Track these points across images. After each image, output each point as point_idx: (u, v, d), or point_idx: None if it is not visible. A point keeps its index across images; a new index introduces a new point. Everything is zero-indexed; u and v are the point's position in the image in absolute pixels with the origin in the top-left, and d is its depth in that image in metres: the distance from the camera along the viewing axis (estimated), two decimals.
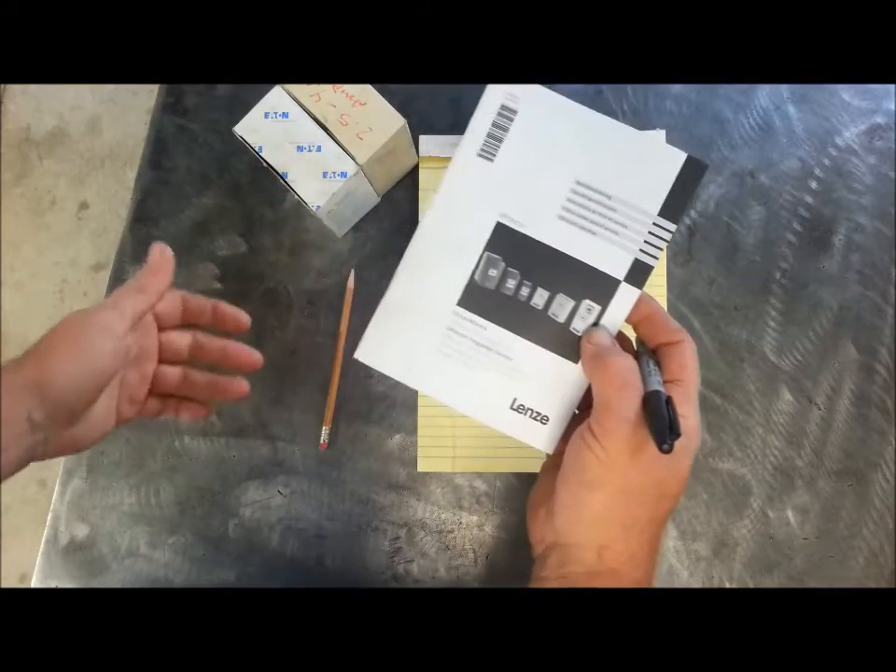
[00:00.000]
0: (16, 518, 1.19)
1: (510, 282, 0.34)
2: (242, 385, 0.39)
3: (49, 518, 0.48)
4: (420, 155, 0.50)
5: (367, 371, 0.49)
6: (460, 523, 0.47)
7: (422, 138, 0.50)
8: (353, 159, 0.43)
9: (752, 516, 0.46)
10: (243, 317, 0.39)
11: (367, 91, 0.44)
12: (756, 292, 0.48)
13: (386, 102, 0.44)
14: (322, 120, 0.44)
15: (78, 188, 1.27)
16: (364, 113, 0.43)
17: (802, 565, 0.46)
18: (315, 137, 0.43)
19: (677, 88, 0.51)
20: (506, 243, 0.34)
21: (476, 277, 0.34)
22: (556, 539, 0.33)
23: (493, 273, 0.34)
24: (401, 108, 0.44)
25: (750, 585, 0.46)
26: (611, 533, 0.31)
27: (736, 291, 0.48)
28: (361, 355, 0.35)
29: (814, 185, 0.49)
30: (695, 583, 0.46)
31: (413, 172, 0.51)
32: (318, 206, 0.43)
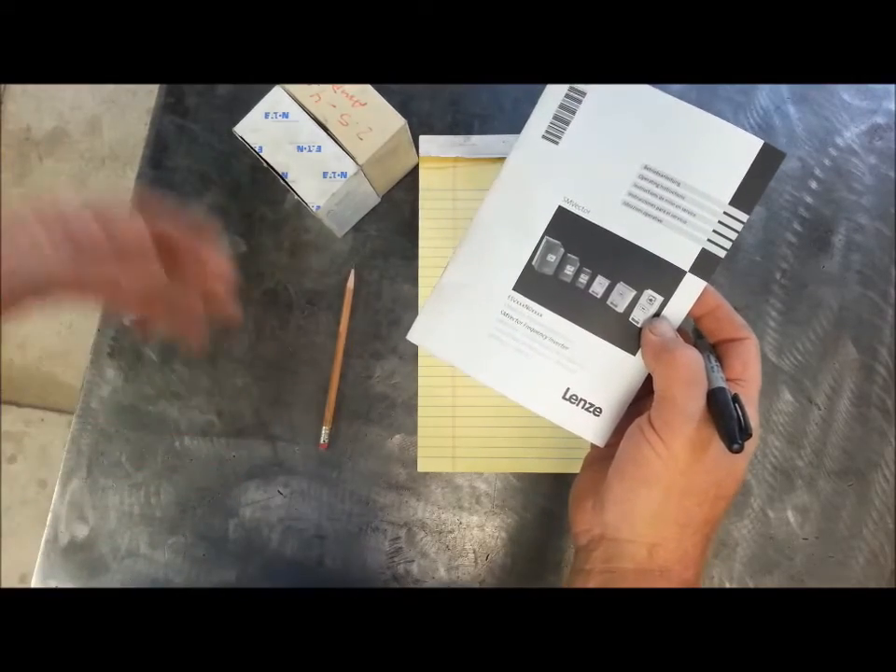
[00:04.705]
0: (16, 518, 1.19)
1: (568, 268, 0.33)
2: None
3: (49, 518, 0.48)
4: (420, 155, 0.50)
5: (367, 371, 0.49)
6: (460, 523, 0.47)
7: (422, 138, 0.50)
8: (353, 159, 0.43)
9: (752, 516, 0.46)
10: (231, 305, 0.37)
11: (367, 91, 0.44)
12: (756, 292, 0.48)
13: (386, 102, 0.44)
14: (322, 120, 0.44)
15: (78, 188, 1.27)
16: (364, 113, 0.43)
17: (802, 565, 0.46)
18: (315, 137, 0.43)
19: (677, 88, 0.51)
20: (567, 228, 0.33)
21: (534, 262, 0.33)
22: (605, 532, 0.32)
23: (551, 258, 0.33)
24: (401, 108, 0.44)
25: (750, 585, 0.46)
26: (665, 532, 0.31)
27: (736, 291, 0.48)
28: (414, 336, 0.34)
29: (814, 185, 0.49)
30: None
31: (413, 172, 0.51)
32: (318, 206, 0.43)
